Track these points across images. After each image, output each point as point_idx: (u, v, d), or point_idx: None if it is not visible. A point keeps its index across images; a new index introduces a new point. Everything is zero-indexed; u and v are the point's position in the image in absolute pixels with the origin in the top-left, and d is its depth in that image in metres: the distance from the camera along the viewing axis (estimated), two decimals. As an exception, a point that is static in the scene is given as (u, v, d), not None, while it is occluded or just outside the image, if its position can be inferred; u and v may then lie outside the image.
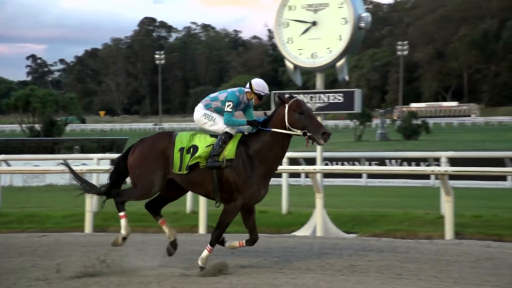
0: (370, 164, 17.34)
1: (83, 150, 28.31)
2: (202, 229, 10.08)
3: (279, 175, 12.26)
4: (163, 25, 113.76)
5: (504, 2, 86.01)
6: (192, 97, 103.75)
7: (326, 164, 15.38)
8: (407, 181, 17.66)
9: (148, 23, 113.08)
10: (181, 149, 6.76)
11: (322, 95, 10.18)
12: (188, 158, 6.73)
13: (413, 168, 15.28)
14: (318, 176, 10.09)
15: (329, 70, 10.71)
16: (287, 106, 6.74)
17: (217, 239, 6.86)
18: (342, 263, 7.08)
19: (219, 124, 6.80)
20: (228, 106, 6.75)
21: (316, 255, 7.66)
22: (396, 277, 6.48)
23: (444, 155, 11.66)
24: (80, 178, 7.43)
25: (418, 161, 17.54)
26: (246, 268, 6.96)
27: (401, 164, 18.38)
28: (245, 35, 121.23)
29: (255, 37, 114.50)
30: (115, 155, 10.41)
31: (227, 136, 6.75)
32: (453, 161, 11.67)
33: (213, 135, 6.87)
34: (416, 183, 17.33)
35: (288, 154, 12.35)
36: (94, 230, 10.42)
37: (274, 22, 10.19)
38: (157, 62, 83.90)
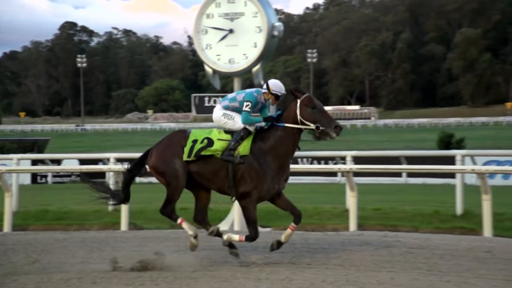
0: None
1: (2, 151, 27.15)
2: (124, 226, 9.89)
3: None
4: (84, 29, 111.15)
5: (397, 16, 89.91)
6: (114, 99, 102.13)
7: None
8: (316, 178, 17.97)
9: (69, 27, 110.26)
10: (194, 141, 6.66)
11: (239, 98, 10.18)
12: (198, 147, 6.60)
13: (322, 166, 15.65)
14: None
15: (246, 74, 10.75)
16: (299, 101, 6.61)
17: (254, 236, 6.78)
18: (257, 255, 7.11)
19: (238, 123, 6.67)
20: (246, 106, 6.62)
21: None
22: (306, 266, 6.58)
23: (349, 154, 11.89)
24: (101, 188, 7.23)
25: (326, 160, 17.92)
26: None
27: (311, 163, 18.75)
28: (166, 40, 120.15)
29: (175, 42, 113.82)
30: (37, 155, 10.07)
31: (246, 133, 6.62)
32: (357, 160, 11.97)
33: (227, 131, 6.74)
34: (324, 180, 17.69)
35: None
36: (13, 229, 10.00)
37: (193, 29, 10.13)
38: (79, 65, 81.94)
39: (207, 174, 6.69)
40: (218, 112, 6.81)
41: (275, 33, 9.88)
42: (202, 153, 6.58)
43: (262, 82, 10.27)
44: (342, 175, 13.09)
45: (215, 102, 10.19)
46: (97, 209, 10.46)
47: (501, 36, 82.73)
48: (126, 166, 7.18)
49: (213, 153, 6.58)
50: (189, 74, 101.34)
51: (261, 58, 9.97)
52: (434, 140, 28.93)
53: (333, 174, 16.82)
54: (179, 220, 6.81)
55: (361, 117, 76.61)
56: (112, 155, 12.13)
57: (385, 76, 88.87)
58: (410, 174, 16.40)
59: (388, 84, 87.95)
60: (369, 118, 75.88)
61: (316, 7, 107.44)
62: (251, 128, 6.64)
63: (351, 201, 9.39)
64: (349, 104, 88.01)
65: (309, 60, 79.86)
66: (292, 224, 6.76)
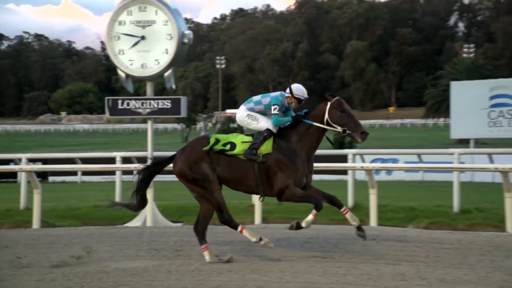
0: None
1: None
2: (35, 224, 9.45)
3: (113, 173, 11.92)
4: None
5: (296, 28, 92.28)
6: (26, 101, 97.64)
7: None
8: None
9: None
10: (216, 140, 6.40)
11: (152, 101, 10.05)
12: (220, 146, 6.33)
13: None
14: (148, 172, 9.91)
15: (158, 79, 10.59)
16: (329, 103, 6.41)
17: (317, 205, 6.30)
18: (168, 249, 7.03)
19: (262, 123, 6.45)
20: (274, 109, 6.39)
21: (145, 243, 7.51)
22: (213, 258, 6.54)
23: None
24: (123, 204, 7.05)
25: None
26: (81, 257, 6.63)
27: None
28: (79, 45, 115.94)
29: (88, 47, 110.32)
30: None
31: (269, 133, 6.38)
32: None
33: (248, 134, 6.54)
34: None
35: (122, 153, 12.06)
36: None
37: (106, 35, 9.86)
38: (-11, 68, 77.66)
39: (235, 177, 6.41)
40: (242, 113, 6.59)
41: (185, 40, 9.81)
42: (227, 152, 6.33)
43: (173, 86, 10.16)
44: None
45: (128, 104, 9.99)
46: (8, 208, 9.95)
47: (384, 48, 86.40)
48: (140, 165, 6.82)
49: (237, 153, 6.33)
50: (103, 78, 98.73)
51: (172, 64, 9.86)
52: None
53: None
54: (239, 228, 6.43)
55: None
56: (24, 156, 11.57)
57: (287, 82, 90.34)
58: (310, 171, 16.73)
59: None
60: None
61: (223, 17, 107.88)
62: (275, 130, 6.42)
63: (256, 197, 9.43)
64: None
65: (218, 66, 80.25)
66: (312, 213, 6.34)
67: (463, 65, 46.79)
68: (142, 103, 10.02)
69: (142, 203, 6.73)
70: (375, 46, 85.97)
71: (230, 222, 6.47)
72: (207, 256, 6.40)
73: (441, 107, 40.95)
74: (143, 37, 9.76)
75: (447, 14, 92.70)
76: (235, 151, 6.31)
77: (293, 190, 6.27)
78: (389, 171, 16.61)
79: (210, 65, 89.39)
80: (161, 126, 60.01)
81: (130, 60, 9.81)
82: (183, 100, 10.21)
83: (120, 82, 10.77)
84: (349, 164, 10.72)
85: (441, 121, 44.76)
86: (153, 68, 9.84)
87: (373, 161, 14.78)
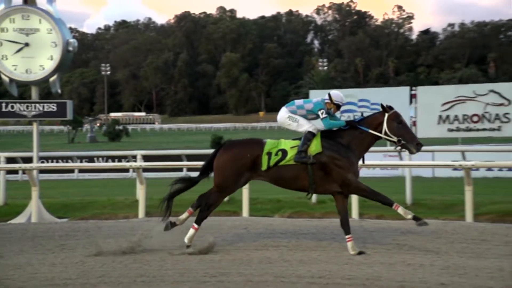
0: (81, 161, 16.86)
1: None
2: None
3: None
4: None
5: (176, 40, 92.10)
6: None
7: (43, 162, 14.33)
8: (111, 174, 17.41)
9: None
10: (269, 153, 6.03)
11: (37, 105, 9.49)
12: (275, 159, 6.00)
13: (116, 164, 15.22)
14: (34, 172, 9.34)
15: (43, 83, 10.01)
16: (386, 115, 6.05)
17: (385, 199, 6.01)
18: (53, 243, 6.64)
19: (302, 125, 6.12)
20: (322, 113, 6.07)
21: (30, 238, 7.03)
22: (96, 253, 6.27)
23: (139, 153, 11.72)
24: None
25: (120, 158, 17.46)
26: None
27: (107, 161, 18.11)
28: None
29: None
30: None
31: (311, 135, 6.05)
32: (146, 158, 11.85)
33: (295, 138, 6.18)
34: (119, 176, 17.19)
35: (6, 154, 11.26)
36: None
37: (-11, 41, 9.15)
38: None
39: (289, 178, 6.06)
40: (283, 114, 6.26)
41: (70, 48, 9.38)
42: (280, 164, 6.01)
43: (59, 90, 9.71)
44: (133, 171, 12.84)
45: (12, 107, 9.37)
46: None
47: (254, 60, 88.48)
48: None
49: (288, 162, 6.01)
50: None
51: (57, 70, 9.39)
52: (208, 141, 29.75)
53: (125, 170, 16.42)
54: (195, 226, 6.20)
55: (147, 122, 76.55)
56: None
57: (168, 89, 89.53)
58: (190, 169, 16.61)
59: (171, 95, 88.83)
60: (154, 123, 76.02)
61: (107, 28, 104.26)
62: (315, 131, 6.11)
63: (140, 193, 9.20)
64: (139, 111, 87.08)
65: (103, 73, 77.67)
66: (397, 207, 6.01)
67: (319, 76, 49.13)
68: (27, 106, 9.46)
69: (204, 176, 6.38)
70: (246, 58, 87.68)
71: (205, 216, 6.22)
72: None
73: (302, 112, 42.48)
74: (27, 44, 9.22)
75: (305, 33, 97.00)
76: (287, 159, 6.02)
77: (359, 185, 5.98)
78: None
79: (96, 72, 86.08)
80: (47, 128, 56.68)
81: (14, 66, 9.21)
82: (69, 104, 9.78)
83: (4, 86, 10.06)
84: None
85: (302, 124, 46.43)
86: (38, 74, 9.30)
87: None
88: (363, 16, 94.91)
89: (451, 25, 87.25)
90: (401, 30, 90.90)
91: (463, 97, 12.79)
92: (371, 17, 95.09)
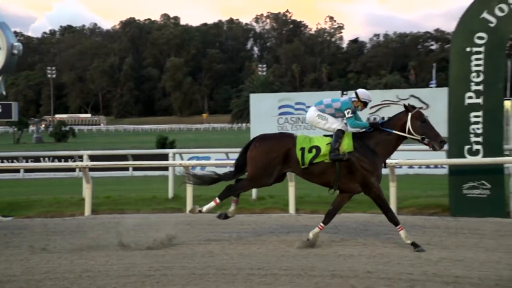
0: (27, 161, 16.18)
1: None
2: None
3: None
4: None
5: (122, 45, 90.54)
6: None
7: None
8: (58, 174, 16.80)
9: None
10: (302, 149, 5.87)
11: (-19, 106, 9.03)
12: (309, 156, 5.85)
13: (62, 164, 14.73)
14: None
15: (-11, 85, 9.52)
16: (410, 114, 5.88)
17: (393, 218, 5.82)
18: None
19: (331, 123, 5.98)
20: (348, 113, 5.94)
21: (-26, 238, 6.69)
22: (44, 247, 6.06)
23: (85, 153, 11.38)
24: (200, 176, 6.36)
25: (67, 158, 16.92)
26: None
27: (53, 161, 17.48)
28: None
29: None
30: None
31: (341, 132, 5.91)
32: (92, 158, 11.52)
33: (326, 134, 6.05)
34: (65, 175, 16.61)
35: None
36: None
37: None
38: None
39: (317, 173, 5.90)
40: (313, 113, 6.11)
41: (15, 51, 8.94)
42: (314, 161, 5.85)
43: (4, 92, 9.25)
44: (80, 171, 12.47)
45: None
46: None
47: (197, 65, 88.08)
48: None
49: (323, 159, 5.85)
50: None
51: (1, 72, 8.93)
52: (154, 142, 29.29)
53: (72, 170, 15.89)
54: (217, 200, 6.03)
55: (92, 124, 74.55)
56: None
57: (115, 91, 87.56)
58: (135, 168, 16.35)
59: (117, 98, 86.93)
60: (99, 125, 74.17)
61: (52, 32, 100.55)
62: (344, 128, 5.97)
63: (86, 191, 8.94)
64: (86, 113, 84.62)
65: (49, 75, 74.83)
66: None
67: (258, 81, 49.46)
68: (-29, 108, 8.96)
69: (240, 173, 6.10)
70: (190, 62, 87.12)
71: (230, 193, 6.04)
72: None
73: (243, 114, 42.86)
74: (-30, 47, 8.71)
75: (245, 40, 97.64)
76: (321, 155, 5.86)
77: (380, 193, 5.85)
78: (203, 167, 16.87)
79: (42, 74, 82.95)
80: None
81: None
82: (14, 105, 9.38)
83: None
84: (169, 162, 10.70)
85: (243, 125, 46.75)
86: (-18, 76, 8.81)
87: (190, 159, 14.83)
88: (298, 25, 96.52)
89: (377, 35, 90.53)
90: (333, 39, 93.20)
91: (388, 101, 13.32)
92: (306, 26, 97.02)
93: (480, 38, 7.58)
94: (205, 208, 6.07)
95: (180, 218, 7.87)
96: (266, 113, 14.42)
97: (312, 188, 10.18)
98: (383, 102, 13.36)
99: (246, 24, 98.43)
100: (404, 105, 6.04)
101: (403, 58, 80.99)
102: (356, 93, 6.11)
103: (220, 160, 14.59)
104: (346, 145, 5.87)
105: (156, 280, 4.94)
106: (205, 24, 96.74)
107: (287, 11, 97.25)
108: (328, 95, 15.34)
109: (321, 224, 5.98)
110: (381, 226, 6.80)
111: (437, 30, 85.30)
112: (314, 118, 6.11)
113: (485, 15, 7.55)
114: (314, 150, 5.88)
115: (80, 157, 12.02)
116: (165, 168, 12.29)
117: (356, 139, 5.93)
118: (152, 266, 5.36)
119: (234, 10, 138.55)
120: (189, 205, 8.79)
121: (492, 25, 7.54)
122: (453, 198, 7.90)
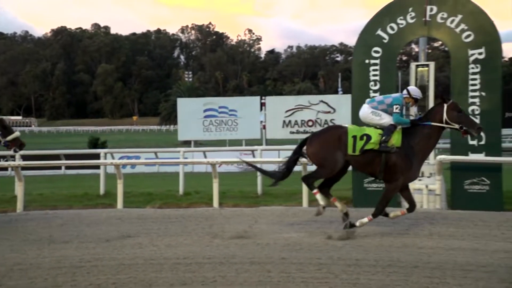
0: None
1: None
2: None
3: None
4: None
5: (54, 51, 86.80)
6: None
7: None
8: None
9: None
10: (354, 137, 5.70)
11: None
12: (361, 144, 5.68)
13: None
14: None
15: None
16: (445, 105, 5.71)
17: (380, 212, 5.73)
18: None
19: (385, 119, 5.76)
20: (396, 108, 5.74)
21: None
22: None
23: (18, 153, 10.65)
24: (265, 171, 6.16)
25: (1, 158, 15.77)
26: None
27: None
28: None
29: None
30: None
31: (393, 127, 5.73)
32: (25, 157, 10.86)
33: (377, 127, 5.80)
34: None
35: None
36: None
37: None
38: None
39: (365, 162, 5.73)
40: (366, 110, 5.88)
41: None
42: (365, 147, 5.68)
43: None
44: (12, 170, 11.67)
45: None
46: None
47: (127, 71, 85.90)
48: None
49: (373, 147, 5.67)
50: None
51: None
52: (86, 142, 28.08)
53: (4, 169, 14.83)
54: (315, 191, 5.81)
55: (24, 125, 70.19)
56: None
57: (47, 95, 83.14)
58: (68, 167, 15.58)
59: (50, 101, 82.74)
60: (30, 126, 70.11)
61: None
62: (397, 124, 5.75)
63: (19, 189, 8.41)
64: (18, 115, 79.63)
65: (-21, 79, 69.23)
66: (405, 210, 5.83)
67: (185, 86, 48.96)
68: None
69: (287, 174, 5.95)
70: (120, 69, 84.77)
71: (310, 184, 5.85)
72: (319, 199, 5.81)
73: (171, 116, 42.19)
74: None
75: (172, 48, 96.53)
76: (371, 142, 5.67)
77: (396, 188, 5.67)
78: (133, 165, 16.43)
79: (-28, 78, 76.69)
80: None
81: None
82: None
83: None
84: (101, 161, 10.31)
85: (171, 127, 46.03)
86: None
87: (120, 158, 14.38)
88: (221, 36, 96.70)
89: (290, 47, 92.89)
90: (252, 49, 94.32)
91: (301, 105, 13.71)
92: (228, 38, 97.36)
93: (376, 51, 8.00)
94: (358, 222, 5.80)
95: (111, 213, 7.62)
96: (192, 116, 14.32)
97: (234, 184, 10.29)
98: (297, 107, 13.74)
99: (173, 34, 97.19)
100: (441, 96, 5.87)
101: (314, 67, 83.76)
102: (408, 90, 5.96)
103: (149, 159, 14.29)
104: (396, 139, 5.71)
105: (87, 271, 4.76)
106: (134, 34, 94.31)
107: (210, 23, 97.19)
108: (248, 100, 15.51)
109: (404, 210, 5.85)
110: (295, 217, 6.94)
111: (341, 44, 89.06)
112: (368, 115, 5.88)
113: (380, 32, 7.98)
114: (365, 138, 5.72)
115: (13, 157, 11.26)
116: (97, 167, 11.85)
117: (405, 136, 5.74)
118: (83, 258, 5.16)
119: (161, 21, 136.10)
120: (120, 201, 8.53)
121: (385, 41, 7.98)
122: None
